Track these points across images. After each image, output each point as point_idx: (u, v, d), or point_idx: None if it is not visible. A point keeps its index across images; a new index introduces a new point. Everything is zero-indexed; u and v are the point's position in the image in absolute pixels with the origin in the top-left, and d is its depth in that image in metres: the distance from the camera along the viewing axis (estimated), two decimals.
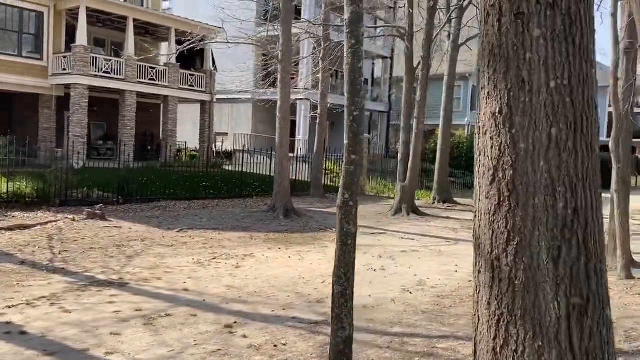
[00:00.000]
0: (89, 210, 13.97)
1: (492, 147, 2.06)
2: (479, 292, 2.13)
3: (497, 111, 2.04)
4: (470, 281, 9.81)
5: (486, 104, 2.05)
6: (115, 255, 10.44)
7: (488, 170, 2.06)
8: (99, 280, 8.59)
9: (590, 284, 1.96)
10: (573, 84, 1.95)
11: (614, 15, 9.24)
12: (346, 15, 3.92)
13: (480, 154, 2.11)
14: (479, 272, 2.13)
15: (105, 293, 7.93)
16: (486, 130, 2.06)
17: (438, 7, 21.53)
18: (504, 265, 2.01)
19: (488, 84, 2.04)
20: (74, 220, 13.69)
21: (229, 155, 28.39)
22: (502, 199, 2.03)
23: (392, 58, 36.84)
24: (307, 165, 24.09)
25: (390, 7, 29.04)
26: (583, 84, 1.97)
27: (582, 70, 1.97)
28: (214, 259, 10.49)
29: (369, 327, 6.82)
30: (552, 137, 1.95)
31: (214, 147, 28.56)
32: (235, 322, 6.80)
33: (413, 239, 13.95)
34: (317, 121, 22.34)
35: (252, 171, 23.00)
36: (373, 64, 37.35)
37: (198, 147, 27.27)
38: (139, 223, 14.18)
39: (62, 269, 9.23)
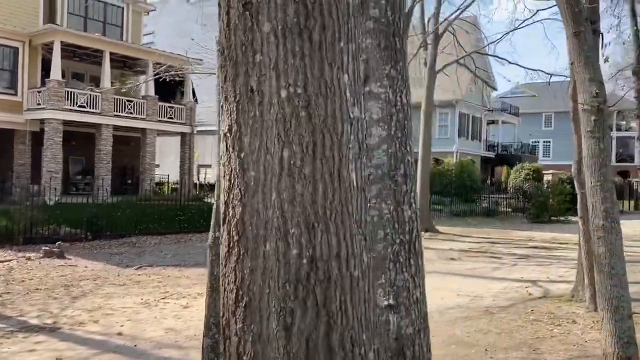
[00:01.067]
0: (46, 248, 13.46)
1: (224, 176, 1.60)
2: None
3: (227, 130, 1.59)
4: (431, 317, 9.25)
5: (221, 121, 1.61)
6: (60, 297, 9.91)
7: (221, 207, 1.61)
8: (30, 325, 8.07)
9: None
10: (310, 93, 1.49)
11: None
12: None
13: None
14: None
15: (31, 339, 7.41)
16: (222, 155, 1.61)
17: (414, 33, 21.42)
18: (233, 334, 1.51)
19: (221, 96, 1.60)
20: (28, 259, 13.18)
21: (212, 187, 27.96)
22: (231, 245, 1.55)
23: None
24: None
25: None
26: (326, 93, 1.51)
27: (324, 75, 1.51)
28: (163, 298, 9.94)
29: None
30: (284, 162, 1.49)
31: (196, 179, 28.14)
32: None
33: None
34: None
35: None
36: None
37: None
38: (98, 260, 13.65)
39: None
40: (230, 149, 1.55)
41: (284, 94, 1.48)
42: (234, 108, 1.54)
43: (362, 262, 1.51)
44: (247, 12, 1.50)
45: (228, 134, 1.57)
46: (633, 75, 8.69)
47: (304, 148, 1.47)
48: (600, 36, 6.26)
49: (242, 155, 1.52)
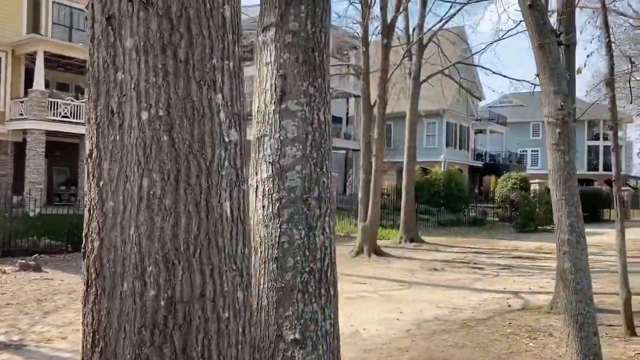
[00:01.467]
0: (22, 261, 13.22)
1: (85, 206, 1.48)
2: None
3: (88, 155, 1.46)
4: (408, 330, 9.13)
5: (86, 145, 1.49)
6: (31, 312, 9.68)
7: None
8: None
9: None
10: (174, 115, 1.35)
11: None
12: None
13: None
14: None
15: None
16: (85, 184, 1.49)
17: (399, 44, 21.43)
18: None
19: (86, 118, 1.48)
20: (4, 272, 12.93)
21: None
22: (89, 283, 1.42)
23: None
24: None
25: (355, 48, 28.95)
26: (193, 114, 1.37)
27: (191, 95, 1.37)
28: None
29: None
30: (143, 192, 1.34)
31: None
32: None
33: (365, 283, 13.23)
34: None
35: None
36: (347, 102, 37.19)
37: None
38: (75, 273, 13.40)
39: None
40: (91, 177, 1.42)
41: (144, 116, 1.35)
42: (94, 131, 1.41)
43: (235, 301, 1.37)
44: (110, 27, 1.37)
45: (89, 160, 1.44)
46: (606, 86, 8.64)
47: (165, 176, 1.33)
48: (571, 48, 6.19)
49: (101, 183, 1.39)
